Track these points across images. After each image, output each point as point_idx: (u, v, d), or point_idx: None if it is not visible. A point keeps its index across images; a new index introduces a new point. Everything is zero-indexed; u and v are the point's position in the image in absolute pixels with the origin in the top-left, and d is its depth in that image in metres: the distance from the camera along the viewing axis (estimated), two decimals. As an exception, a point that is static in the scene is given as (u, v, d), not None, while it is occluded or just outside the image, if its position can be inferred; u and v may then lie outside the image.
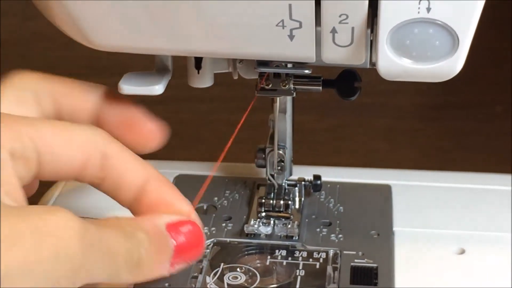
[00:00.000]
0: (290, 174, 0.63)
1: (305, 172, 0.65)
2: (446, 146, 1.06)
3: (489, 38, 1.19)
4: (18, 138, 0.43)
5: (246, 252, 0.59)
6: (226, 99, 1.07)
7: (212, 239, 0.60)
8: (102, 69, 1.21)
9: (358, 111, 1.10)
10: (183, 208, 0.48)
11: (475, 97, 1.14)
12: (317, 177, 0.64)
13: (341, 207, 0.63)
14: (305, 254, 0.58)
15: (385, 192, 0.65)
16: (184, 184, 0.66)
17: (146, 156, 1.03)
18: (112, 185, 0.48)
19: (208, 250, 0.59)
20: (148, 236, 0.45)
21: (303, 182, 0.64)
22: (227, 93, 1.04)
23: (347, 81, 0.58)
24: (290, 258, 0.58)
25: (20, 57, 1.29)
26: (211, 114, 1.13)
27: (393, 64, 0.49)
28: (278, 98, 0.59)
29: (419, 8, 0.47)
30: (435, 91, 1.14)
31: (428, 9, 0.47)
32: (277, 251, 0.59)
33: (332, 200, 0.64)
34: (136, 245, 0.44)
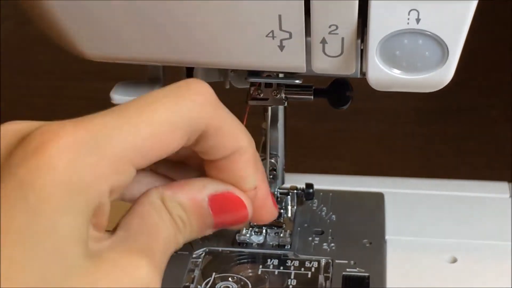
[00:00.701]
0: (282, 183, 0.63)
1: (297, 181, 0.65)
2: (441, 150, 1.06)
3: (485, 43, 1.19)
4: (119, 171, 0.38)
5: (238, 261, 0.59)
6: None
7: (204, 248, 0.60)
8: (98, 73, 1.22)
9: (352, 116, 1.10)
10: (249, 185, 0.45)
11: (471, 102, 1.14)
12: (309, 186, 0.64)
13: (333, 216, 0.63)
14: (297, 263, 0.58)
15: (377, 200, 0.65)
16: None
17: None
18: (201, 150, 0.43)
19: (199, 259, 0.59)
20: (186, 212, 0.43)
21: (295, 191, 0.64)
22: (220, 98, 1.04)
23: (338, 90, 0.58)
24: (282, 267, 0.58)
25: (16, 61, 1.30)
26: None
27: (383, 74, 0.49)
28: (269, 107, 0.59)
29: (408, 19, 0.47)
30: (429, 96, 1.14)
31: (418, 20, 0.47)
32: (269, 260, 0.59)
33: (324, 208, 0.64)
34: (176, 223, 0.43)
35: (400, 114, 1.13)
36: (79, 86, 1.23)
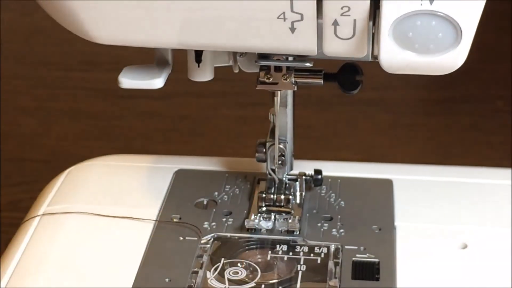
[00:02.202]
0: (291, 169, 0.63)
1: (306, 167, 0.64)
2: (447, 140, 1.06)
3: (491, 33, 1.19)
4: None
5: (246, 247, 0.58)
6: (225, 94, 1.07)
7: (213, 234, 0.59)
8: (100, 64, 1.21)
9: (359, 106, 1.09)
10: None
11: (476, 92, 1.14)
12: (318, 172, 0.63)
13: (342, 202, 0.63)
14: (306, 249, 0.58)
15: (386, 186, 0.65)
16: (184, 179, 0.66)
17: (146, 151, 1.03)
18: None
19: (208, 245, 0.58)
20: None
21: (304, 177, 0.63)
22: (226, 88, 1.04)
23: (348, 75, 0.57)
24: (291, 253, 0.58)
25: (18, 52, 1.29)
26: (210, 109, 1.12)
27: (395, 56, 0.49)
28: (279, 92, 0.59)
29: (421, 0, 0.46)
30: (436, 86, 1.14)
31: (431, 1, 0.46)
32: (278, 246, 0.58)
33: (333, 194, 0.64)
34: None
35: (406, 104, 1.12)
36: (81, 76, 1.23)
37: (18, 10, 1.36)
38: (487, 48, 1.18)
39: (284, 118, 0.61)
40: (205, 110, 1.13)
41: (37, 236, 0.60)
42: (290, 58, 0.55)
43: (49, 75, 1.23)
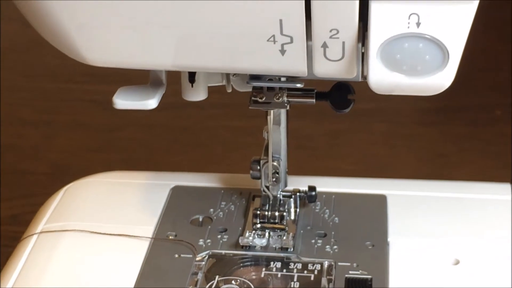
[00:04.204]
0: (285, 185, 0.63)
1: (300, 183, 0.65)
2: (445, 150, 1.06)
3: (488, 41, 1.19)
4: None
5: (241, 264, 0.59)
6: (224, 106, 1.07)
7: (208, 251, 0.60)
8: (100, 76, 1.22)
9: (356, 116, 1.10)
10: None
11: (475, 101, 1.14)
12: (312, 188, 0.64)
13: (336, 218, 0.63)
14: (300, 266, 0.59)
15: (380, 202, 0.65)
16: (180, 195, 0.66)
17: (148, 162, 1.03)
18: None
19: (203, 263, 0.59)
20: None
21: (298, 193, 0.64)
22: (225, 100, 1.04)
23: (340, 94, 0.58)
24: (285, 270, 0.58)
25: (20, 63, 1.30)
26: (209, 120, 1.13)
27: (384, 78, 0.49)
28: (272, 111, 0.59)
29: (409, 23, 0.47)
30: (433, 96, 1.14)
31: (418, 24, 0.47)
32: (272, 263, 0.59)
33: (327, 210, 0.64)
34: None
35: (402, 114, 1.13)
36: (83, 89, 1.24)
37: (19, 22, 1.36)
38: (485, 56, 1.18)
39: (277, 136, 0.61)
40: (205, 122, 1.13)
41: (34, 254, 0.61)
42: (283, 78, 0.56)
43: (50, 87, 1.24)
